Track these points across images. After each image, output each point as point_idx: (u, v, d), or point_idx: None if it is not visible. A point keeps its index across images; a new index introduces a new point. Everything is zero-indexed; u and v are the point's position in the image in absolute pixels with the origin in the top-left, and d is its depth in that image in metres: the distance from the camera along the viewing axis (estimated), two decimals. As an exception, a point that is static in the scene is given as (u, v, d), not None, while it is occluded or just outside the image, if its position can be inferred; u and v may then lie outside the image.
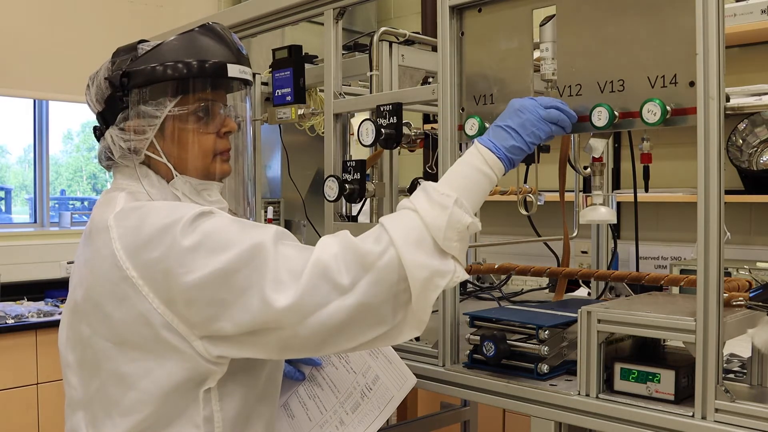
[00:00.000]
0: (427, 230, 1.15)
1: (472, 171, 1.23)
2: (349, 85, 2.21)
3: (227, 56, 1.33)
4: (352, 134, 1.87)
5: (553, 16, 1.36)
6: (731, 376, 1.36)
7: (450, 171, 1.25)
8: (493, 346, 1.38)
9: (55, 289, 4.04)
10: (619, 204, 3.09)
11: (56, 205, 4.79)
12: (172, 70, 1.28)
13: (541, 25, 1.38)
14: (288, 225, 3.43)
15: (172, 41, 1.32)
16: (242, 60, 1.37)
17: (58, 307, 3.71)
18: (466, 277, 1.19)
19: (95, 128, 1.39)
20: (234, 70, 1.34)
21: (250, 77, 1.40)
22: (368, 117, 1.72)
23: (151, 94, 1.29)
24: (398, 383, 1.49)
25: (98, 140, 1.38)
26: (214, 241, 1.17)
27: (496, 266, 2.09)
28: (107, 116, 1.33)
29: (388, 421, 2.91)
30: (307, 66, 1.94)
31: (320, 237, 1.22)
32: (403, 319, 1.17)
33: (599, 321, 1.26)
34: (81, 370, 1.29)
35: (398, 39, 1.87)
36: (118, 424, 1.23)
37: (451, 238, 1.15)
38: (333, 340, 1.16)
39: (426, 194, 1.19)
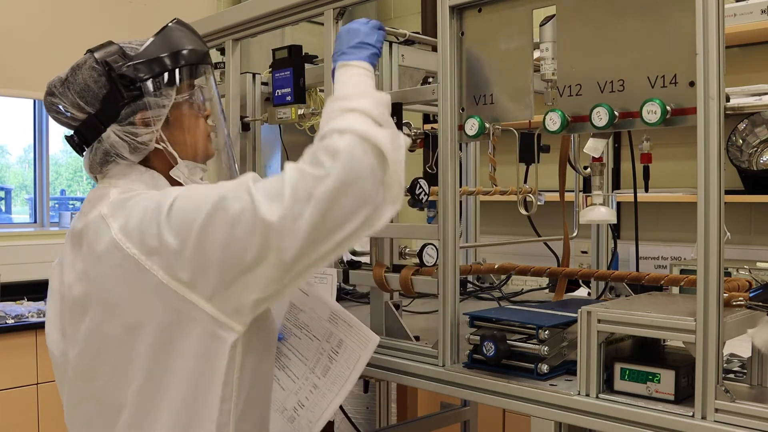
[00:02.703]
0: (368, 115, 1.22)
1: (360, 77, 1.34)
2: (349, 85, 2.20)
3: (201, 44, 1.44)
4: (352, 134, 1.87)
5: (553, 16, 1.36)
6: (731, 376, 1.36)
7: (340, 85, 1.34)
8: (493, 346, 1.38)
9: (55, 289, 4.02)
10: (619, 204, 3.08)
11: (56, 205, 4.79)
12: (179, 58, 1.37)
13: (541, 25, 1.38)
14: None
15: (160, 36, 1.38)
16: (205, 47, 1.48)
17: (58, 307, 3.70)
18: (409, 140, 1.28)
19: (70, 137, 1.39)
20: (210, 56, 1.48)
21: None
22: (368, 117, 1.72)
23: (157, 84, 1.35)
24: (362, 344, 1.52)
25: (83, 147, 1.38)
26: (196, 194, 1.22)
27: (496, 266, 2.09)
28: (104, 117, 1.34)
29: (387, 420, 2.92)
30: (307, 66, 1.94)
31: None
32: (383, 196, 1.19)
33: (599, 321, 1.26)
34: (86, 365, 1.30)
35: (398, 39, 1.87)
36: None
37: (386, 114, 1.25)
38: (324, 230, 1.16)
39: (343, 97, 1.27)
